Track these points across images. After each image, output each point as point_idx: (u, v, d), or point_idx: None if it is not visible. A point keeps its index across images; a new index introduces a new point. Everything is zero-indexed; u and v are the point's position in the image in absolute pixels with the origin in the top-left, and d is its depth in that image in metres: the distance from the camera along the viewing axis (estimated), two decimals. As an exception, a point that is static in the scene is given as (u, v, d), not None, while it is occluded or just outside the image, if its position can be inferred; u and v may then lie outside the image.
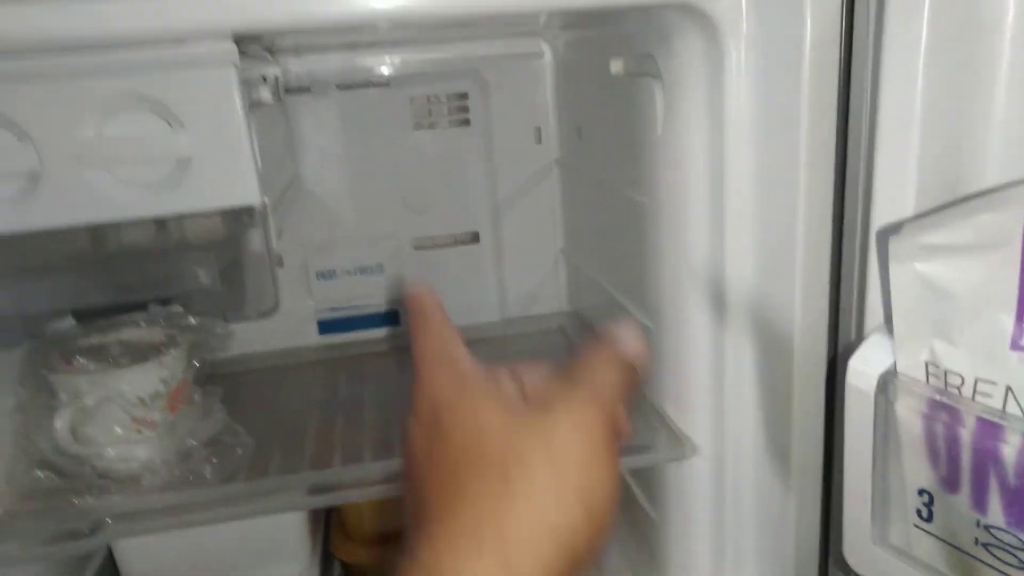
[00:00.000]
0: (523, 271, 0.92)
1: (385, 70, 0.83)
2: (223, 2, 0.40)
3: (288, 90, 0.81)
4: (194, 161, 0.49)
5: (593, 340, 0.31)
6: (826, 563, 0.50)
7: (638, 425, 0.62)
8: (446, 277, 0.90)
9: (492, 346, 0.87)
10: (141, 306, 0.60)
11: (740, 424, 0.54)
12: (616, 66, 0.63)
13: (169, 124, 0.49)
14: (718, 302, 0.53)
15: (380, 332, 0.89)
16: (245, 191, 0.50)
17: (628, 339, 0.31)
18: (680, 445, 0.59)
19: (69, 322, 0.60)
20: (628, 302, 0.70)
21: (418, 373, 0.30)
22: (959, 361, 0.29)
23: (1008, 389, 0.28)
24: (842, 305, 0.46)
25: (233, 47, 0.49)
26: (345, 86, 0.83)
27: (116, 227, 0.51)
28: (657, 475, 0.65)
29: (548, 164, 0.90)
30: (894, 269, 0.30)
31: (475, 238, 0.91)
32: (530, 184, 0.90)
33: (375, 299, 0.89)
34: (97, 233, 0.51)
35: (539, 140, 0.88)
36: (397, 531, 0.71)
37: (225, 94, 0.49)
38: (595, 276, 0.81)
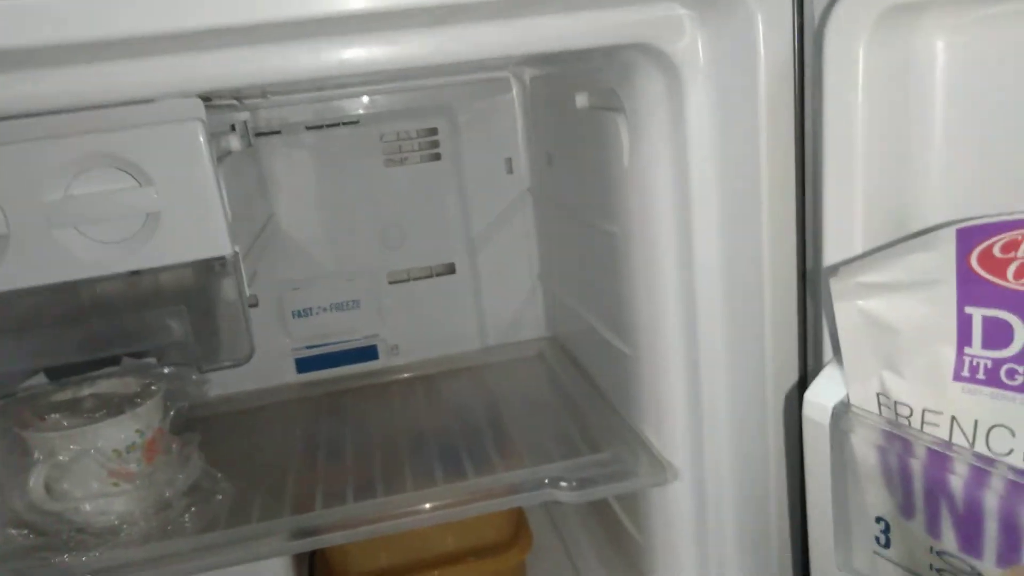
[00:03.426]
0: (501, 299, 0.93)
1: (354, 109, 0.84)
2: (190, 66, 0.41)
3: (258, 133, 0.82)
4: (164, 216, 0.49)
5: None
6: (806, 583, 0.51)
7: (621, 451, 0.63)
8: (424, 309, 0.91)
9: (473, 374, 0.87)
10: (114, 361, 0.60)
11: (718, 448, 0.55)
12: (581, 100, 0.64)
13: (137, 181, 0.49)
14: (691, 329, 0.54)
15: (358, 368, 0.89)
16: (216, 242, 0.51)
17: None
18: (661, 470, 0.59)
19: (41, 379, 0.59)
20: (605, 328, 0.70)
21: None
22: (907, 392, 0.30)
23: (953, 419, 0.29)
24: (809, 332, 0.47)
25: (199, 102, 0.49)
26: (315, 126, 0.84)
27: (87, 283, 0.51)
28: (641, 499, 0.65)
29: (520, 193, 0.91)
30: (838, 307, 0.31)
31: (451, 269, 0.92)
32: (504, 213, 0.91)
33: (352, 335, 0.89)
34: (67, 289, 0.51)
35: (510, 170, 0.90)
36: (382, 570, 0.72)
37: (193, 148, 0.49)
38: (571, 303, 0.82)
